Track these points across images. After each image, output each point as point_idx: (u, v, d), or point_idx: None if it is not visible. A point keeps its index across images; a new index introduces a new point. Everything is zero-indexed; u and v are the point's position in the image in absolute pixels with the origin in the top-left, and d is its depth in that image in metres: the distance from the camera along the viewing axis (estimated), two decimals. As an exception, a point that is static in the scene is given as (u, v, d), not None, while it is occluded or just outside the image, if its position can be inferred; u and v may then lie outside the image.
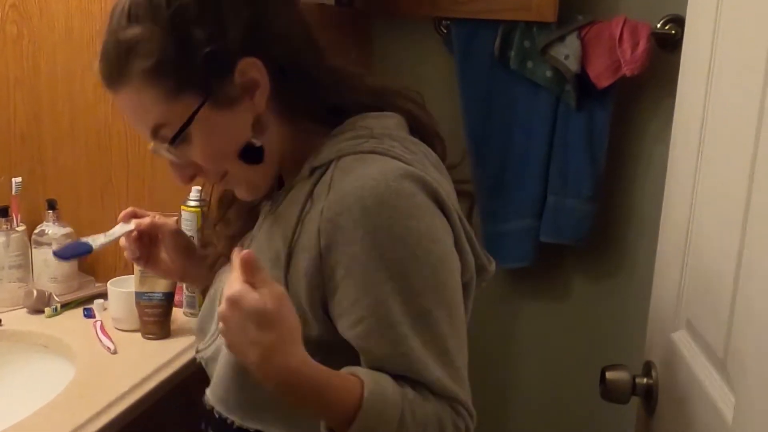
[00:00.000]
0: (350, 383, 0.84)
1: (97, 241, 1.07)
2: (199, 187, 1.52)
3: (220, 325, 0.82)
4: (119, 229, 1.09)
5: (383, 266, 0.84)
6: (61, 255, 1.08)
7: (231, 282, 0.80)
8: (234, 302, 0.79)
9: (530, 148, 1.88)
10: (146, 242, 1.11)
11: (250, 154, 0.91)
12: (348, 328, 0.87)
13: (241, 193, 0.98)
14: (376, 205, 0.84)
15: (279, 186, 0.99)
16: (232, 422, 0.95)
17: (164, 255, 1.12)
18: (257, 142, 0.91)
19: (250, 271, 0.80)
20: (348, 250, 0.85)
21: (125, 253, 1.12)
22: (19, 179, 1.59)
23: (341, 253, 0.85)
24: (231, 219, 1.06)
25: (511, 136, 1.90)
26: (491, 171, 1.90)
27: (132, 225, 1.09)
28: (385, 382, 0.85)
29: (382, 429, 0.84)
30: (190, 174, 0.94)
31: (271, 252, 0.91)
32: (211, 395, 0.99)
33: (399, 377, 0.86)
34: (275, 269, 0.90)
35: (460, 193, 0.99)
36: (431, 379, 0.86)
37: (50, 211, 1.58)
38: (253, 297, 0.78)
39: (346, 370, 0.86)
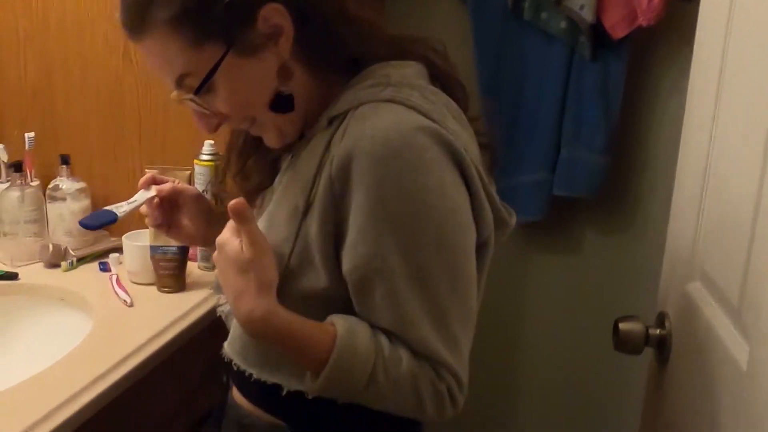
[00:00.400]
0: (324, 335, 0.86)
1: (120, 209, 1.07)
2: (212, 141, 1.52)
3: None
4: (140, 195, 1.08)
5: (386, 219, 0.84)
6: (88, 225, 1.07)
7: (224, 229, 0.88)
8: (219, 247, 0.88)
9: (543, 101, 1.87)
10: (167, 208, 1.10)
11: (281, 103, 0.91)
12: (346, 274, 0.88)
13: (270, 140, 0.97)
14: (386, 156, 0.83)
15: (300, 137, 0.98)
16: (251, 374, 0.96)
17: (186, 221, 1.11)
18: (286, 90, 0.90)
19: (238, 219, 0.85)
20: (355, 198, 0.84)
21: (146, 220, 1.11)
22: (32, 134, 1.59)
23: (349, 201, 0.85)
24: (250, 171, 1.05)
25: (524, 88, 1.88)
26: (504, 123, 1.89)
27: (153, 191, 1.08)
28: (360, 336, 0.86)
29: (350, 382, 0.86)
30: (216, 123, 0.94)
31: (290, 204, 0.91)
32: (229, 348, 1.00)
33: (386, 332, 0.87)
34: (293, 221, 0.90)
35: (481, 146, 0.97)
36: (415, 337, 0.86)
37: (64, 166, 1.58)
38: (234, 244, 0.86)
39: (329, 319, 0.88)
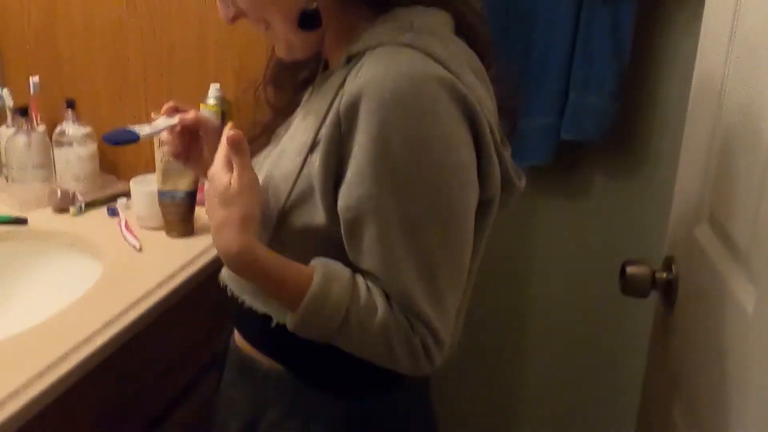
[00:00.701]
0: (302, 278, 0.87)
1: (143, 130, 1.05)
2: (218, 85, 1.51)
3: None
4: (163, 121, 1.06)
5: (385, 164, 0.83)
6: (110, 139, 1.05)
7: (215, 160, 0.90)
8: (210, 179, 0.90)
9: (552, 43, 1.84)
10: (187, 139, 1.09)
11: (307, 20, 0.90)
12: (339, 212, 0.87)
13: (279, 50, 0.97)
14: (394, 100, 0.82)
15: (324, 69, 0.98)
16: (243, 302, 0.98)
17: (206, 152, 1.10)
18: (310, 7, 0.89)
19: (234, 149, 0.88)
20: (358, 138, 0.84)
21: (165, 149, 1.10)
22: (36, 79, 1.58)
23: (353, 140, 0.84)
24: (282, 84, 1.05)
25: (532, 29, 1.85)
26: (513, 67, 1.86)
27: (176, 119, 1.06)
28: (337, 281, 0.86)
29: (321, 326, 0.87)
30: (232, 15, 0.94)
31: (301, 138, 0.91)
32: (225, 274, 1.02)
33: (371, 277, 0.87)
34: (300, 154, 0.90)
35: (503, 109, 0.96)
36: (398, 287, 0.86)
37: (69, 111, 1.57)
38: (223, 176, 0.88)
39: (312, 261, 0.89)
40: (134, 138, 1.04)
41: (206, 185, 0.91)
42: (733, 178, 0.98)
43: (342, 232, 0.88)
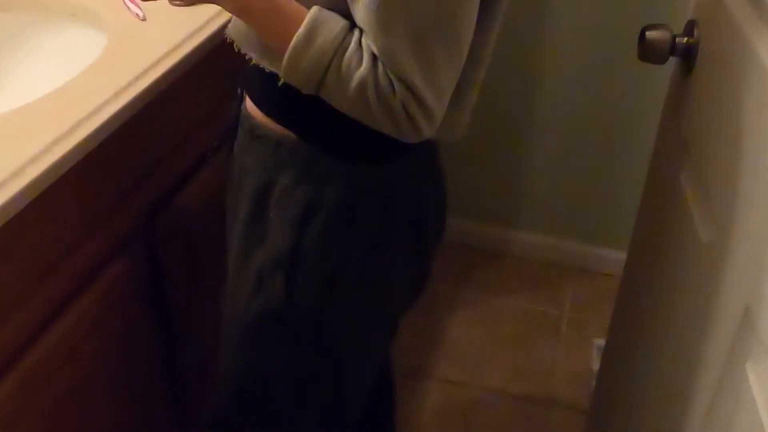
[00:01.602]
0: (298, 20, 0.86)
1: None
2: None
3: None
4: None
5: None
6: None
7: None
8: None
9: None
10: None
11: None
12: None
13: None
14: None
15: None
16: (250, 59, 0.98)
17: None
18: None
19: None
20: None
21: None
22: None
23: None
24: None
25: None
26: None
27: None
28: (326, 29, 0.85)
29: (306, 75, 0.87)
30: None
31: None
32: (231, 28, 1.01)
33: (365, 35, 0.85)
34: None
35: None
36: (383, 44, 0.84)
37: None
38: None
39: (312, 8, 0.87)
40: None
41: None
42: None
43: None
